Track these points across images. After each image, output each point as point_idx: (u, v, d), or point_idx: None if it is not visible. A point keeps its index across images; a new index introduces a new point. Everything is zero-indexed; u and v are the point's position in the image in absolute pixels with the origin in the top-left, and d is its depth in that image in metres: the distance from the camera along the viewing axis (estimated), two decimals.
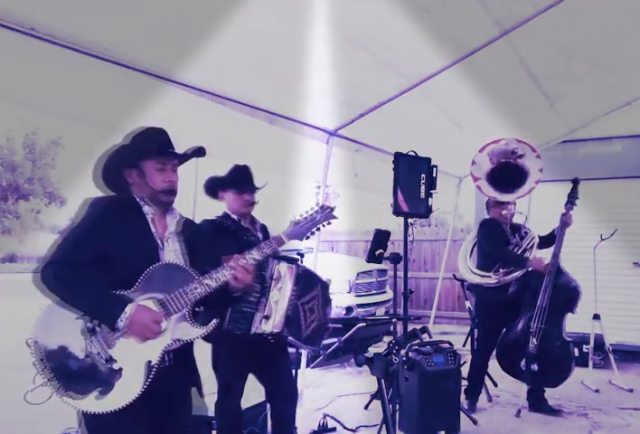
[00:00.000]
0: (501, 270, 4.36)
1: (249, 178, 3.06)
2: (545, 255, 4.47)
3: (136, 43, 2.72)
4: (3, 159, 30.50)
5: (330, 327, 3.15)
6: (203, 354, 2.28)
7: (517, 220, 4.63)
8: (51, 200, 32.32)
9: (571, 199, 4.37)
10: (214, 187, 3.08)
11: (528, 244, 4.42)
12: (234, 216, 3.04)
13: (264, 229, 3.18)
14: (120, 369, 1.82)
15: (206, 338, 2.02)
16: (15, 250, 26.63)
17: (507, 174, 4.30)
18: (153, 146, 2.01)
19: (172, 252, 2.03)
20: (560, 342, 4.25)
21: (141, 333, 1.82)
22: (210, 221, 3.01)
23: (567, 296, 4.27)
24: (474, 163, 4.36)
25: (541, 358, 4.16)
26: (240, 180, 3.02)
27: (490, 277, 4.37)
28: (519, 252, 4.39)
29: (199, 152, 2.10)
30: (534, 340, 4.17)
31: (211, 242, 2.66)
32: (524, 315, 4.34)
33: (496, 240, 4.43)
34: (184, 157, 2.09)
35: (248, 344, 2.83)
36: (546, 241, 4.50)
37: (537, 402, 4.41)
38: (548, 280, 4.24)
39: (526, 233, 4.49)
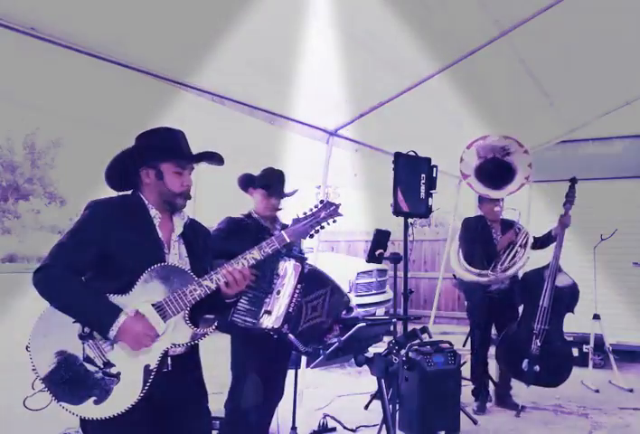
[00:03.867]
0: (499, 267, 4.34)
1: (281, 184, 3.20)
2: (539, 253, 4.48)
3: (136, 43, 2.72)
4: (3, 159, 30.42)
5: (334, 331, 3.13)
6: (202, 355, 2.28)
7: (511, 216, 4.61)
8: (51, 200, 32.23)
9: (570, 199, 4.33)
10: (247, 183, 3.23)
11: (522, 241, 4.40)
12: (256, 215, 3.20)
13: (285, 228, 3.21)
14: (118, 373, 1.77)
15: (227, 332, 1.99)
16: (15, 250, 26.56)
17: (496, 171, 4.30)
18: (174, 147, 1.96)
19: (176, 255, 1.99)
20: (560, 342, 4.26)
21: (133, 343, 1.77)
22: (232, 219, 3.16)
23: (568, 296, 4.27)
24: (462, 160, 4.35)
25: (542, 359, 4.16)
26: (271, 183, 3.15)
27: (487, 275, 4.33)
28: (511, 251, 4.37)
29: (218, 160, 2.05)
30: (537, 341, 4.16)
31: (228, 239, 2.83)
32: (524, 315, 4.33)
33: (473, 240, 4.43)
34: (201, 160, 2.03)
35: (256, 341, 2.88)
36: (542, 242, 4.47)
37: (502, 398, 4.49)
38: (549, 281, 4.23)
39: (519, 229, 4.46)
